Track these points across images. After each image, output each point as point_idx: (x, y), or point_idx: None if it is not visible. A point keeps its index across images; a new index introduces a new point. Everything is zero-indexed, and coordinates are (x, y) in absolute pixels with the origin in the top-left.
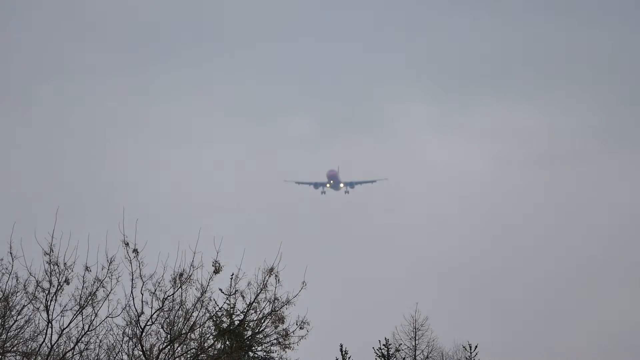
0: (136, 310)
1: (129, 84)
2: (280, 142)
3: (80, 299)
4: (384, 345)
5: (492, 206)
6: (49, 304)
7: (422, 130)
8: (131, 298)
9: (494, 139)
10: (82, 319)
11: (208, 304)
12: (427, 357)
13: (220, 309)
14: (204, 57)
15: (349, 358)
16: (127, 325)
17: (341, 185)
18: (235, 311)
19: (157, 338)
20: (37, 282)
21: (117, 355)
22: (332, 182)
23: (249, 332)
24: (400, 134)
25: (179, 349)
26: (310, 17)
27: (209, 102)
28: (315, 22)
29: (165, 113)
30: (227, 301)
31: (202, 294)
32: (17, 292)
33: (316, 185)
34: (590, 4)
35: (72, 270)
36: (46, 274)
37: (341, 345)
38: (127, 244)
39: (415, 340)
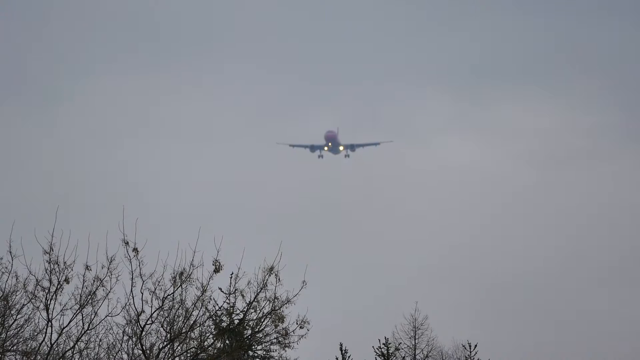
0: (136, 309)
1: (129, 83)
2: (293, 141)
3: (80, 298)
4: (383, 344)
5: (501, 205)
6: (48, 303)
7: (441, 128)
8: (131, 297)
9: (512, 138)
10: (82, 318)
11: (208, 303)
12: (426, 356)
13: (220, 308)
14: (212, 56)
15: (349, 357)
16: (127, 324)
17: (341, 148)
18: (235, 310)
19: (157, 337)
20: (37, 281)
21: (117, 354)
22: (330, 144)
23: (249, 331)
24: (419, 132)
25: (178, 348)
26: (326, 14)
27: (214, 100)
28: (331, 20)
29: (165, 111)
30: (227, 300)
31: (202, 293)
32: (17, 291)
33: (312, 148)
34: (611, 2)
35: (72, 269)
36: (46, 272)
37: (341, 345)
38: (127, 243)
39: (414, 339)
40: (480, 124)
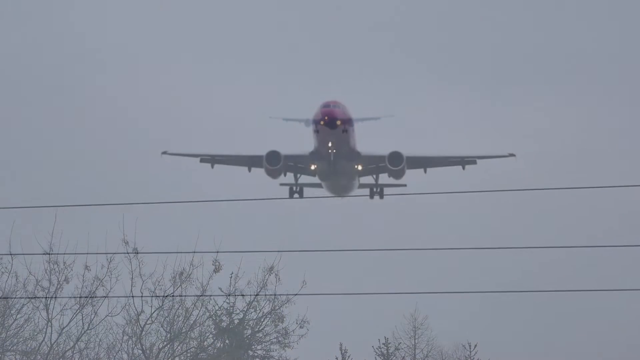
0: (136, 309)
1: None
2: (301, 141)
3: (80, 298)
4: (383, 344)
5: (502, 204)
6: (48, 303)
7: (444, 128)
8: (131, 297)
9: (514, 137)
10: (82, 317)
11: (208, 303)
12: (426, 356)
13: (219, 308)
14: (212, 56)
15: (349, 357)
16: (127, 324)
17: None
18: (235, 310)
19: (157, 337)
20: (36, 281)
21: (117, 354)
22: (326, 118)
23: (249, 331)
24: (421, 131)
25: (178, 347)
26: (327, 14)
27: (214, 100)
28: (332, 20)
29: (165, 111)
30: (227, 300)
31: (202, 293)
32: (17, 291)
33: (308, 122)
34: (624, 2)
35: (72, 269)
36: (46, 273)
37: (341, 345)
38: (127, 243)
39: (414, 339)
40: (483, 123)
